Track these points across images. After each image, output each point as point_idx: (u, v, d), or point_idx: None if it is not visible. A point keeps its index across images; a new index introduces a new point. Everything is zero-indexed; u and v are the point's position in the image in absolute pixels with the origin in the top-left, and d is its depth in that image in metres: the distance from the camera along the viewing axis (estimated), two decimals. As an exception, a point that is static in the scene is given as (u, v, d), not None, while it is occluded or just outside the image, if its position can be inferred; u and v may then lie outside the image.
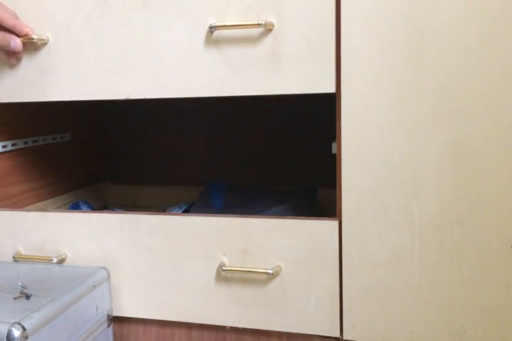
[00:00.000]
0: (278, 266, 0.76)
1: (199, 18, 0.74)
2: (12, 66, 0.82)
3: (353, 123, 0.70)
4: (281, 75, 0.72)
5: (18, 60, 0.81)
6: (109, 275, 0.82)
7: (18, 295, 0.71)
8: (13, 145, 1.00)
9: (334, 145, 0.73)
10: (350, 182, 0.71)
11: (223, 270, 0.76)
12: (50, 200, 1.12)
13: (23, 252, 0.87)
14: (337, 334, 0.76)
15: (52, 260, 0.83)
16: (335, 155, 0.73)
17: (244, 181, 1.25)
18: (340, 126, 0.71)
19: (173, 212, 1.08)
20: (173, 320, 0.82)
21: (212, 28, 0.72)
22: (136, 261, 0.82)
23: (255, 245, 0.76)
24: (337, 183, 0.73)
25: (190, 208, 1.08)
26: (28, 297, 0.70)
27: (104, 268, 0.82)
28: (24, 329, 0.62)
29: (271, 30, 0.71)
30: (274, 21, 0.71)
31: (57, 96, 0.82)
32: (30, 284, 0.75)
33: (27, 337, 0.62)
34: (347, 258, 0.73)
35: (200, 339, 0.84)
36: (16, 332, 0.61)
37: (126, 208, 1.30)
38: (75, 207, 1.13)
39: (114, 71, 0.79)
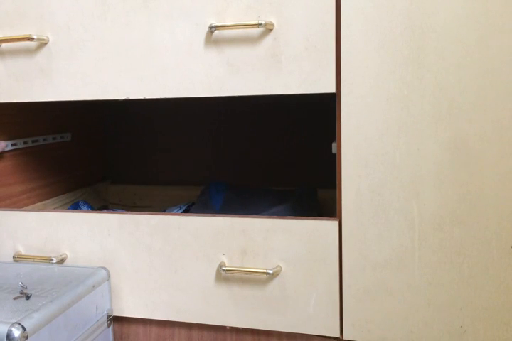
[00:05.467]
0: (278, 266, 0.76)
1: (199, 18, 0.74)
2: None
3: (353, 123, 0.70)
4: (281, 75, 0.72)
5: None
6: (109, 276, 0.82)
7: (18, 295, 0.71)
8: (13, 145, 1.00)
9: (334, 145, 0.73)
10: (350, 182, 0.71)
11: (223, 270, 0.76)
12: (50, 200, 1.12)
13: (23, 252, 0.87)
14: (337, 334, 0.76)
15: (52, 260, 0.83)
16: (335, 155, 0.73)
17: (244, 181, 1.25)
18: (340, 126, 0.71)
19: (173, 212, 1.08)
20: (173, 320, 0.82)
21: (212, 28, 0.72)
22: (136, 261, 0.82)
23: (255, 245, 0.76)
24: (337, 183, 0.73)
25: (190, 208, 1.08)
26: (28, 297, 0.70)
27: (104, 268, 0.82)
28: (24, 329, 0.62)
29: (271, 30, 0.71)
30: (274, 21, 0.71)
31: (57, 96, 0.82)
32: (30, 284, 0.75)
33: (27, 337, 0.62)
34: (347, 258, 0.73)
35: (200, 339, 0.84)
36: (16, 332, 0.61)
37: (126, 208, 1.30)
38: (75, 207, 1.13)
39: (114, 71, 0.79)
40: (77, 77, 0.80)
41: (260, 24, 0.70)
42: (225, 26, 0.72)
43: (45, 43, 0.81)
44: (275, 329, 0.78)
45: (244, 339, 0.82)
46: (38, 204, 1.08)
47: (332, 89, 0.71)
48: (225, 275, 0.78)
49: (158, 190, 1.33)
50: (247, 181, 1.26)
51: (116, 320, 0.86)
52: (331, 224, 0.73)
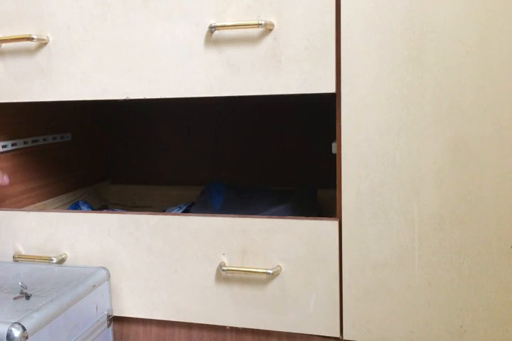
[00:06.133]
0: (278, 266, 0.76)
1: (199, 18, 0.74)
2: None
3: (353, 123, 0.70)
4: (281, 75, 0.72)
5: None
6: (109, 276, 0.82)
7: (18, 295, 0.71)
8: (13, 145, 0.99)
9: (334, 145, 0.73)
10: (350, 182, 0.71)
11: (223, 270, 0.76)
12: (50, 200, 1.12)
13: (23, 252, 0.87)
14: (337, 334, 0.76)
15: (52, 260, 0.83)
16: (335, 155, 0.73)
17: (244, 181, 1.25)
18: (340, 126, 0.71)
19: (173, 212, 1.08)
20: (173, 320, 0.82)
21: (212, 28, 0.72)
22: (136, 261, 0.82)
23: (255, 245, 0.76)
24: (337, 183, 0.73)
25: (190, 208, 1.08)
26: (28, 297, 0.70)
27: (104, 268, 0.82)
28: (24, 329, 0.62)
29: (271, 30, 0.71)
30: (274, 21, 0.71)
31: (57, 96, 0.82)
32: (30, 284, 0.75)
33: (27, 337, 0.62)
34: (347, 258, 0.73)
35: (200, 339, 0.84)
36: (16, 332, 0.61)
37: (126, 208, 1.30)
38: (75, 207, 1.13)
39: (114, 71, 0.79)
40: (77, 77, 0.80)
41: (260, 24, 0.70)
42: (225, 26, 0.72)
43: (45, 43, 0.81)
44: (275, 329, 0.78)
45: (244, 339, 0.82)
46: (38, 204, 1.08)
47: (332, 89, 0.71)
48: (225, 275, 0.78)
49: (158, 190, 1.33)
50: (247, 181, 1.26)
51: (116, 320, 0.86)
52: (331, 224, 0.73)
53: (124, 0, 0.77)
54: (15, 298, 0.71)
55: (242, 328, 0.81)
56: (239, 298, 0.78)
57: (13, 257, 0.86)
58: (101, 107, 1.37)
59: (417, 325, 0.72)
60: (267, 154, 1.28)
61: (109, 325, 0.82)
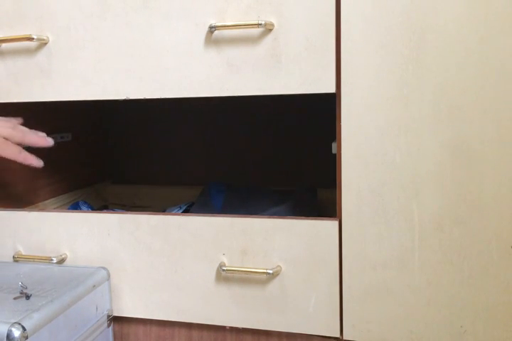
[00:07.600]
0: (278, 266, 0.76)
1: (199, 18, 0.74)
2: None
3: (353, 123, 0.70)
4: (281, 75, 0.72)
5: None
6: (109, 275, 0.82)
7: (18, 295, 0.71)
8: (13, 145, 0.99)
9: (334, 145, 0.73)
10: (350, 182, 0.71)
11: (223, 270, 0.76)
12: (50, 200, 1.12)
13: (23, 252, 0.87)
14: (337, 334, 0.76)
15: (52, 260, 0.83)
16: (335, 155, 0.73)
17: (244, 181, 1.25)
18: (340, 126, 0.71)
19: (173, 212, 1.08)
20: (173, 320, 0.82)
21: (212, 28, 0.72)
22: (136, 261, 0.82)
23: (255, 245, 0.76)
24: (337, 183, 0.73)
25: (190, 208, 1.08)
26: (28, 297, 0.70)
27: (104, 268, 0.82)
28: (24, 329, 0.62)
29: (271, 30, 0.71)
30: (274, 21, 0.71)
31: (57, 96, 0.82)
32: (30, 284, 0.75)
33: (27, 337, 0.62)
34: (347, 258, 0.73)
35: (200, 339, 0.84)
36: (16, 332, 0.61)
37: (126, 208, 1.30)
38: (75, 207, 1.13)
39: (114, 71, 0.79)
40: (77, 77, 0.80)
41: (260, 24, 0.70)
42: (225, 26, 0.72)
43: (45, 43, 0.81)
44: (275, 329, 0.78)
45: (244, 339, 0.82)
46: (38, 204, 1.08)
47: (332, 89, 0.71)
48: (225, 275, 0.78)
49: (158, 190, 1.33)
50: (247, 181, 1.26)
51: (116, 320, 0.86)
52: (331, 224, 0.73)
53: (124, 0, 0.77)
54: (15, 298, 0.71)
55: (242, 328, 0.81)
56: (239, 298, 0.78)
57: (13, 257, 0.86)
58: (101, 107, 1.37)
59: (417, 325, 0.72)
60: (266, 154, 1.28)
61: (109, 325, 0.82)
